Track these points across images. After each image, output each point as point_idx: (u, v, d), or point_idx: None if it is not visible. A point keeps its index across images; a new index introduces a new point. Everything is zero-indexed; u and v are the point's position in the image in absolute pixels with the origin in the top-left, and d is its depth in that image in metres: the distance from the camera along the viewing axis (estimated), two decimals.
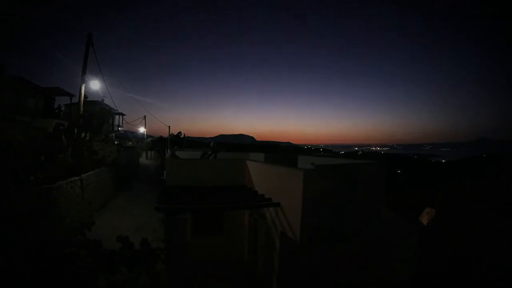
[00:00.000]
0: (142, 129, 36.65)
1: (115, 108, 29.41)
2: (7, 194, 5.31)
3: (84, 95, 12.84)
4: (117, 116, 34.09)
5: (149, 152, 34.79)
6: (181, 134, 30.86)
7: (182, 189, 7.45)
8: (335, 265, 5.39)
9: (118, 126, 34.46)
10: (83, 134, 11.07)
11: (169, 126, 29.08)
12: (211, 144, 11.26)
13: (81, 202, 9.06)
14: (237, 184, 8.34)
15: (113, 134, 29.39)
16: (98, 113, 22.17)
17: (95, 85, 13.88)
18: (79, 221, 8.57)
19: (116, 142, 21.16)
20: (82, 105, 12.39)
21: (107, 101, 27.05)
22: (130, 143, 32.50)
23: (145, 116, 35.68)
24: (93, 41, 12.09)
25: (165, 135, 30.47)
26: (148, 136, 38.00)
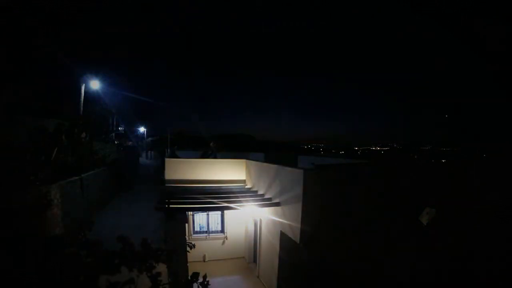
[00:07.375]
0: (142, 129, 36.71)
1: (115, 108, 29.43)
2: (7, 194, 5.32)
3: (84, 94, 12.87)
4: (117, 116, 34.11)
5: (149, 152, 34.86)
6: (181, 134, 30.92)
7: (182, 189, 7.46)
8: (335, 265, 5.39)
9: (118, 125, 34.49)
10: (83, 134, 11.07)
11: (169, 126, 29.13)
12: (211, 144, 11.26)
13: (81, 202, 9.06)
14: (237, 184, 8.35)
15: (113, 134, 29.41)
16: (99, 113, 22.20)
17: (95, 85, 13.90)
18: (79, 221, 8.58)
19: (116, 142, 21.18)
20: (82, 104, 12.42)
21: (107, 101, 27.09)
22: (130, 143, 32.54)
23: (145, 116, 35.74)
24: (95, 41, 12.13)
25: (165, 135, 30.50)
26: (148, 136, 38.06)
